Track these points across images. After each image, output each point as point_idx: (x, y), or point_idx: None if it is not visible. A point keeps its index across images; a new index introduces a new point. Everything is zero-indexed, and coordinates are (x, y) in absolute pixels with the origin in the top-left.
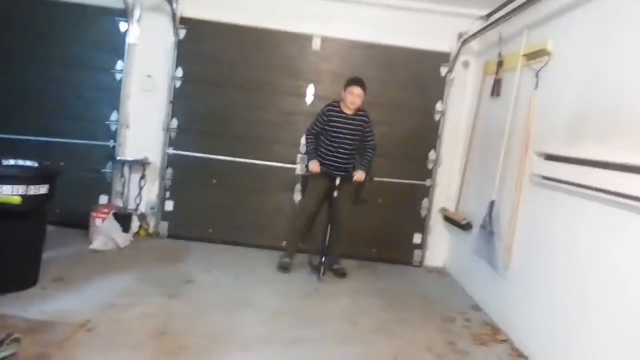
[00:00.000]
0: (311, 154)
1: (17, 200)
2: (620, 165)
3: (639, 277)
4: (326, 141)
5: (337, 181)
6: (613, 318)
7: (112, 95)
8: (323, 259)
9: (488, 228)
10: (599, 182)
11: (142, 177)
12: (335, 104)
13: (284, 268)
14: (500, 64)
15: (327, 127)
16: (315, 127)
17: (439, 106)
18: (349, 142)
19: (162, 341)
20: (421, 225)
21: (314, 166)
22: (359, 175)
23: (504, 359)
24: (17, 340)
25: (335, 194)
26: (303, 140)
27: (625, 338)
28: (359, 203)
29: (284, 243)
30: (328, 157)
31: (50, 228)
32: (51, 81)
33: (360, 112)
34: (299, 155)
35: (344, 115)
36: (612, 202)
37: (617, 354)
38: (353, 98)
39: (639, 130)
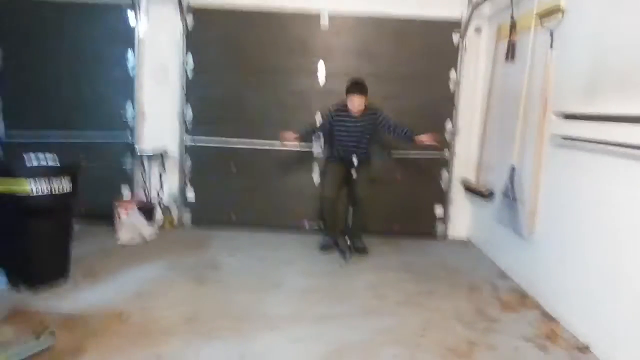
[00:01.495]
0: (300, 131)
1: (25, 189)
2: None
3: None
4: (337, 139)
5: (355, 162)
6: None
7: (126, 88)
8: (348, 241)
9: (510, 195)
10: (620, 136)
11: (162, 169)
12: (342, 105)
13: (324, 248)
14: (513, 26)
15: (336, 127)
16: (324, 125)
17: (453, 75)
18: (360, 138)
19: (193, 325)
20: (442, 198)
21: (288, 135)
22: (425, 137)
23: (534, 323)
24: (52, 333)
25: (354, 174)
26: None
27: None
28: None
29: (322, 225)
30: (342, 146)
31: (75, 225)
32: (65, 78)
33: (369, 112)
34: (313, 138)
35: (352, 116)
36: (634, 155)
37: None
38: (354, 106)
39: None
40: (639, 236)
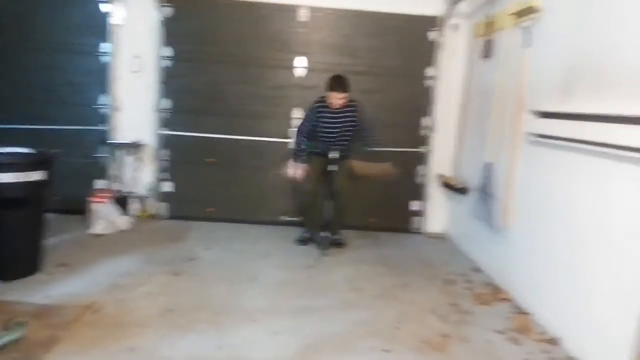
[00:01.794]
0: (299, 156)
1: None
2: (613, 116)
3: (637, 228)
4: (319, 132)
5: (334, 156)
6: (612, 270)
7: (100, 78)
8: (326, 235)
9: (486, 190)
10: (593, 135)
11: (138, 160)
12: (323, 99)
13: (301, 242)
14: (490, 24)
15: (319, 122)
16: (306, 124)
17: (430, 72)
18: (342, 131)
19: (169, 318)
20: (419, 193)
21: (298, 171)
22: (354, 164)
23: (506, 316)
24: (23, 324)
25: (334, 168)
26: (294, 136)
27: (625, 290)
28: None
29: (302, 219)
30: (323, 139)
31: (48, 215)
32: (37, 67)
33: (350, 103)
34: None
35: (332, 110)
36: (606, 154)
37: (618, 306)
38: (335, 101)
39: (630, 81)
40: (607, 233)
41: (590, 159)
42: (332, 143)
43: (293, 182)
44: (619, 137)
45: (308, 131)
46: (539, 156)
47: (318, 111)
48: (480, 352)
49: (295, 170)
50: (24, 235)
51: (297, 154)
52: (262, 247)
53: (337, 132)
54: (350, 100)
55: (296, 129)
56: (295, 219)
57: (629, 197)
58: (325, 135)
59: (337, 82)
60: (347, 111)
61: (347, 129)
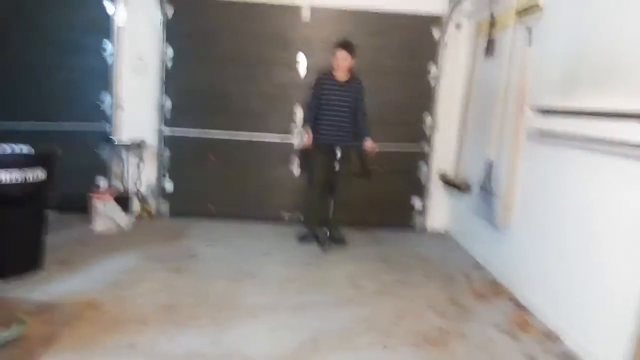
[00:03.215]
0: (307, 125)
1: None
2: (615, 113)
3: (637, 226)
4: (322, 110)
5: (338, 154)
6: (611, 266)
7: (104, 78)
8: (327, 232)
9: (487, 188)
10: (595, 131)
11: (140, 159)
12: (326, 72)
13: (302, 238)
14: (492, 23)
15: (322, 97)
16: (312, 100)
17: (433, 70)
18: (345, 109)
19: (169, 314)
20: (420, 190)
21: (308, 138)
22: (370, 145)
23: (506, 313)
24: (22, 322)
25: (337, 167)
26: (300, 112)
27: (624, 286)
28: (367, 175)
29: (302, 217)
30: (326, 127)
31: (49, 213)
32: (42, 67)
33: (354, 80)
34: (296, 130)
35: (336, 83)
36: (609, 150)
37: (616, 302)
38: (338, 61)
39: (632, 77)
40: (608, 230)
41: (593, 156)
42: (336, 127)
43: (303, 149)
44: (621, 133)
45: (315, 105)
46: (540, 153)
47: (322, 85)
48: (479, 348)
49: (306, 137)
50: (25, 234)
51: (306, 124)
52: (263, 244)
53: (340, 111)
54: (356, 77)
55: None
56: (295, 215)
57: (631, 194)
58: (329, 115)
59: (344, 42)
60: (352, 88)
61: (349, 108)
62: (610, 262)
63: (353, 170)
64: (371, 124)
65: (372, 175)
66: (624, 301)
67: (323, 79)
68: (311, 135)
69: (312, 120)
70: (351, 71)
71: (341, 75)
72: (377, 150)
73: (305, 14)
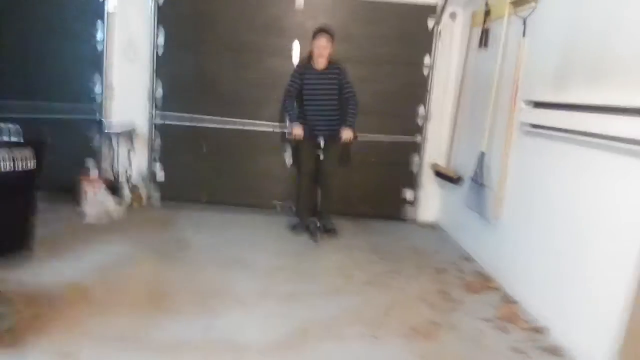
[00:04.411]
0: (292, 117)
1: None
2: (608, 107)
3: (632, 221)
4: (305, 101)
5: (322, 143)
6: (600, 260)
7: (94, 64)
8: (318, 222)
9: (479, 180)
10: (588, 125)
11: (131, 146)
12: (305, 62)
13: (293, 228)
14: (487, 13)
15: (304, 88)
16: (291, 88)
17: (426, 60)
18: (327, 98)
19: (158, 302)
20: (412, 181)
21: (297, 130)
22: (346, 134)
23: (496, 305)
24: (11, 307)
25: (321, 156)
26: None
27: (611, 281)
28: (344, 165)
29: (293, 208)
30: (311, 117)
31: (38, 199)
32: (32, 52)
33: (333, 65)
34: (288, 121)
35: (315, 72)
36: (600, 145)
37: (604, 296)
38: (319, 50)
39: (625, 72)
40: (598, 224)
41: (585, 150)
42: (321, 115)
43: (294, 141)
44: (613, 128)
45: (295, 94)
46: (532, 146)
47: (301, 73)
48: (469, 340)
49: (296, 130)
50: (13, 220)
51: (291, 116)
52: (254, 234)
53: (323, 99)
54: (335, 62)
55: (283, 96)
56: (287, 205)
57: (622, 188)
58: (312, 104)
59: (324, 28)
60: (331, 74)
61: (333, 95)
62: (597, 256)
63: (334, 158)
64: (362, 114)
65: (350, 165)
66: (609, 295)
67: (301, 69)
68: (299, 127)
69: (292, 108)
70: (329, 58)
71: (321, 62)
72: (355, 139)
73: (299, 2)
